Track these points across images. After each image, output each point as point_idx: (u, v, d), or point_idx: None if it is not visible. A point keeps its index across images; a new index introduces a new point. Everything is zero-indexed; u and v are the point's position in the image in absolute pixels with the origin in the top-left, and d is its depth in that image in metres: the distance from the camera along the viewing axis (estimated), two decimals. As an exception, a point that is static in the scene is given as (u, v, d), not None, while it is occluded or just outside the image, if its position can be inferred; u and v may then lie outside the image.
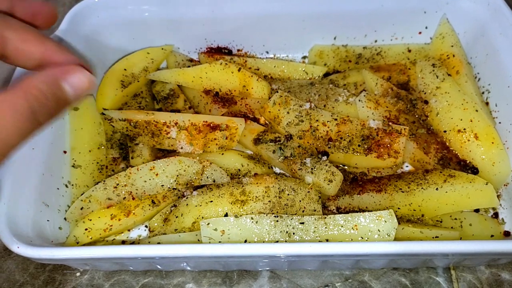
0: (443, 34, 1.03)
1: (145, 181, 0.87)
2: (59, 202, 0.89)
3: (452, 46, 1.01)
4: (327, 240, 0.75)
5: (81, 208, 0.86)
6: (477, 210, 0.88)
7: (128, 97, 1.02)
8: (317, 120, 0.91)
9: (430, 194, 0.83)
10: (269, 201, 0.82)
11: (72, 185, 0.90)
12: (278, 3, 1.05)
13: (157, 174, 0.87)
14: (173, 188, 0.88)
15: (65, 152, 0.93)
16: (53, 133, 0.91)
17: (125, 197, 0.87)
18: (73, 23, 1.02)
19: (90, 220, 0.86)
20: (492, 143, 0.88)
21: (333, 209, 0.87)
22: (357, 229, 0.76)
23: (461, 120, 0.90)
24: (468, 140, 0.89)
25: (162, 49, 1.09)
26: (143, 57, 1.06)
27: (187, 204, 0.85)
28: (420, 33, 1.10)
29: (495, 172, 0.88)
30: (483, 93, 1.00)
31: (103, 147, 0.94)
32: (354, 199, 0.86)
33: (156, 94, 1.06)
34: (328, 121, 0.91)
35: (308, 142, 0.90)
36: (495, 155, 0.88)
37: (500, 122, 0.93)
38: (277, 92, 0.97)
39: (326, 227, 0.77)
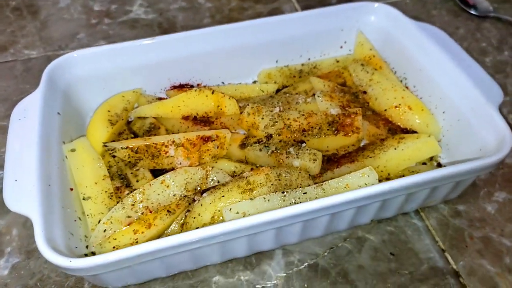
0: (361, 42, 1.31)
1: (159, 194, 0.97)
2: (79, 233, 0.95)
3: (370, 49, 1.29)
4: (329, 201, 0.92)
5: (104, 231, 0.93)
6: (425, 164, 1.12)
7: (115, 135, 1.13)
8: (288, 119, 1.10)
9: (390, 154, 1.04)
10: (272, 184, 0.96)
11: (87, 215, 0.97)
12: (228, 39, 1.26)
13: (168, 186, 0.98)
14: (184, 196, 0.99)
15: (71, 189, 1.00)
16: (59, 172, 0.98)
17: (143, 212, 0.95)
18: (50, 80, 1.11)
19: (115, 239, 0.93)
20: (422, 110, 1.14)
21: (321, 185, 1.04)
22: (348, 187, 0.94)
23: (395, 98, 1.15)
24: (405, 112, 1.14)
25: (134, 91, 1.22)
26: (120, 100, 1.18)
27: (201, 205, 0.96)
28: (341, 47, 1.37)
29: (429, 132, 1.13)
30: (401, 81, 1.27)
31: (107, 178, 1.02)
32: (335, 173, 1.05)
33: (137, 131, 1.17)
34: (297, 117, 1.10)
35: (286, 136, 1.08)
36: (427, 119, 1.13)
37: (421, 98, 1.20)
38: (248, 105, 1.14)
39: (325, 191, 0.93)
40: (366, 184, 0.94)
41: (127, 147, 1.02)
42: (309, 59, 1.36)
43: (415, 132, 1.13)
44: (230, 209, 0.90)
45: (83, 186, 1.00)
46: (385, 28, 1.30)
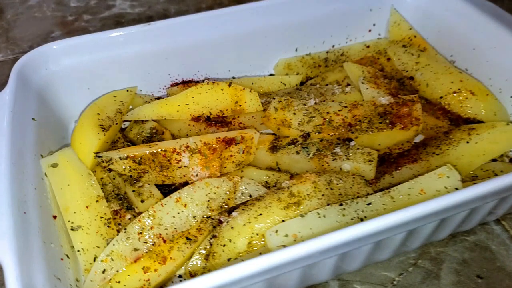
0: (397, 21, 1.11)
1: (174, 217, 0.73)
2: (68, 276, 0.69)
3: (410, 29, 1.09)
4: (402, 213, 0.69)
5: (103, 271, 0.68)
6: (494, 160, 0.90)
7: (107, 144, 0.88)
8: (327, 112, 0.88)
9: (462, 149, 0.83)
10: (323, 194, 0.74)
11: (78, 251, 0.72)
12: (238, 24, 1.04)
13: (185, 205, 0.74)
14: (207, 217, 0.75)
15: (55, 217, 0.75)
16: (38, 195, 0.74)
17: (154, 243, 0.71)
18: (22, 78, 0.87)
19: (119, 282, 0.68)
20: (487, 95, 0.93)
21: (378, 193, 0.82)
22: (424, 192, 0.72)
23: (452, 82, 0.95)
24: (466, 98, 0.93)
25: (127, 91, 0.99)
26: (111, 101, 0.94)
27: (232, 227, 0.72)
28: (370, 31, 1.16)
29: (498, 121, 0.92)
30: (448, 64, 1.07)
31: (102, 199, 0.77)
32: (394, 177, 0.83)
33: (135, 139, 0.93)
34: (339, 110, 0.88)
35: (328, 134, 0.86)
36: (493, 105, 0.93)
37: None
38: (274, 99, 0.92)
39: (394, 201, 0.71)
40: (446, 188, 0.72)
41: (127, 157, 0.77)
42: (333, 46, 1.15)
43: (481, 122, 0.92)
44: (276, 231, 0.67)
45: (70, 211, 0.75)
46: (422, 5, 1.11)
